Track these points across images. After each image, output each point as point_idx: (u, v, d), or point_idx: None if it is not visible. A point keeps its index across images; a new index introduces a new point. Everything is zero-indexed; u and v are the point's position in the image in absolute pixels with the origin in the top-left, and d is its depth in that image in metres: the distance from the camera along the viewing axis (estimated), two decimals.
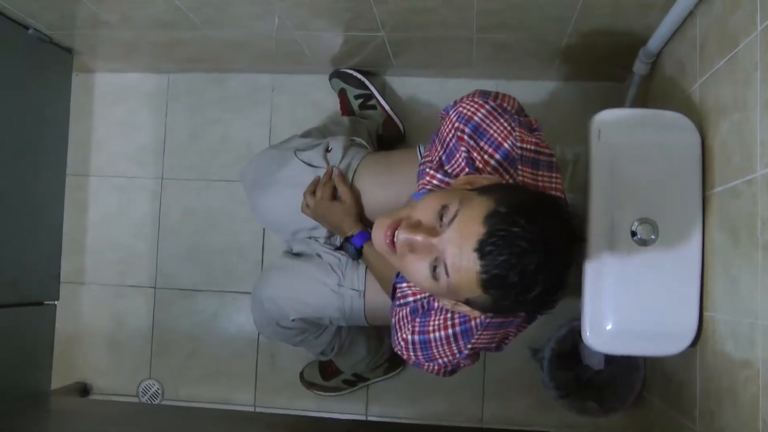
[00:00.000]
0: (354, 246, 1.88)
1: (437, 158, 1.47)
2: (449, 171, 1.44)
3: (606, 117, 1.72)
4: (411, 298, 1.50)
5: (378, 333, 2.40)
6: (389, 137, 2.47)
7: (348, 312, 1.92)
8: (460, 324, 1.42)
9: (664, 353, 1.72)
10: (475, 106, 1.43)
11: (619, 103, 2.28)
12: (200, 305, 2.68)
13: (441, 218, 1.20)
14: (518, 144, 1.40)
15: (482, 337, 1.45)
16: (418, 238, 1.21)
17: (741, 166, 1.41)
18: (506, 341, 1.57)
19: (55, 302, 2.42)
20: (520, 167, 1.40)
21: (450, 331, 1.43)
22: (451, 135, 1.44)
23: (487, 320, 1.41)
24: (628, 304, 1.64)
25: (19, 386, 2.25)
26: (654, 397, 2.08)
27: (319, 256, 1.99)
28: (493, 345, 1.53)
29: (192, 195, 2.70)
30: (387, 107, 2.47)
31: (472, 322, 1.41)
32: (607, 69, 2.34)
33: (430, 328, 1.44)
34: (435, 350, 1.47)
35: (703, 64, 1.66)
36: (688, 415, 1.71)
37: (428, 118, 2.57)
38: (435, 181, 1.45)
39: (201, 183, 2.70)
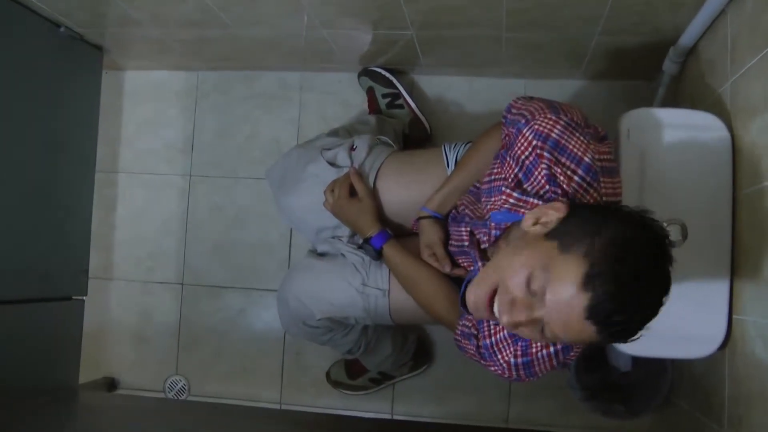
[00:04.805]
0: (373, 247, 1.86)
1: (513, 176, 1.45)
2: (528, 189, 1.42)
3: (635, 116, 1.71)
4: None
5: (403, 330, 2.40)
6: (415, 137, 2.47)
7: (373, 311, 1.92)
8: None
9: (692, 356, 1.71)
10: (551, 122, 1.40)
11: (648, 103, 2.26)
12: (227, 302, 2.69)
13: (529, 287, 1.23)
14: (597, 156, 1.39)
15: (578, 348, 1.48)
16: (522, 318, 1.24)
17: None
18: None
19: (84, 297, 2.44)
20: (602, 179, 1.39)
21: (552, 349, 1.45)
22: (528, 152, 1.41)
23: None
24: None
25: (47, 380, 2.28)
26: (681, 400, 2.06)
27: (343, 255, 1.98)
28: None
29: (220, 192, 2.72)
30: (414, 107, 2.47)
31: None
32: (636, 68, 2.32)
33: (534, 350, 1.46)
34: (537, 368, 1.49)
35: (733, 64, 1.65)
36: (716, 419, 1.69)
37: (455, 118, 2.58)
38: (512, 200, 1.43)
39: (229, 180, 2.71)
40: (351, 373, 2.53)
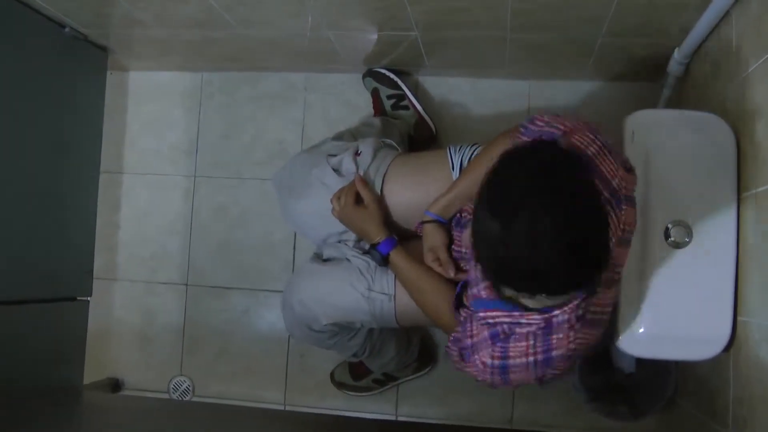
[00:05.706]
0: (380, 253, 1.86)
1: None
2: None
3: (640, 118, 1.71)
4: (491, 320, 1.47)
5: (407, 332, 2.39)
6: (421, 138, 2.47)
7: (379, 315, 1.91)
8: (543, 353, 1.40)
9: (696, 358, 1.71)
10: (589, 139, 1.41)
11: (652, 104, 2.26)
12: (231, 303, 2.69)
13: None
14: (623, 184, 1.40)
15: (562, 365, 1.45)
16: None
17: None
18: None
19: (88, 298, 2.44)
20: (624, 206, 1.39)
21: (531, 359, 1.42)
22: None
23: (572, 349, 1.40)
24: (660, 308, 1.63)
25: (52, 381, 2.28)
26: (685, 402, 2.05)
27: (348, 260, 1.98)
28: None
29: (224, 193, 2.72)
30: (419, 108, 2.47)
31: (554, 353, 1.40)
32: (640, 69, 2.31)
33: (511, 354, 1.43)
34: (512, 375, 1.46)
35: (738, 65, 1.64)
36: (721, 421, 1.68)
37: (460, 119, 2.57)
38: None
39: (233, 181, 2.71)
40: (355, 375, 2.53)
